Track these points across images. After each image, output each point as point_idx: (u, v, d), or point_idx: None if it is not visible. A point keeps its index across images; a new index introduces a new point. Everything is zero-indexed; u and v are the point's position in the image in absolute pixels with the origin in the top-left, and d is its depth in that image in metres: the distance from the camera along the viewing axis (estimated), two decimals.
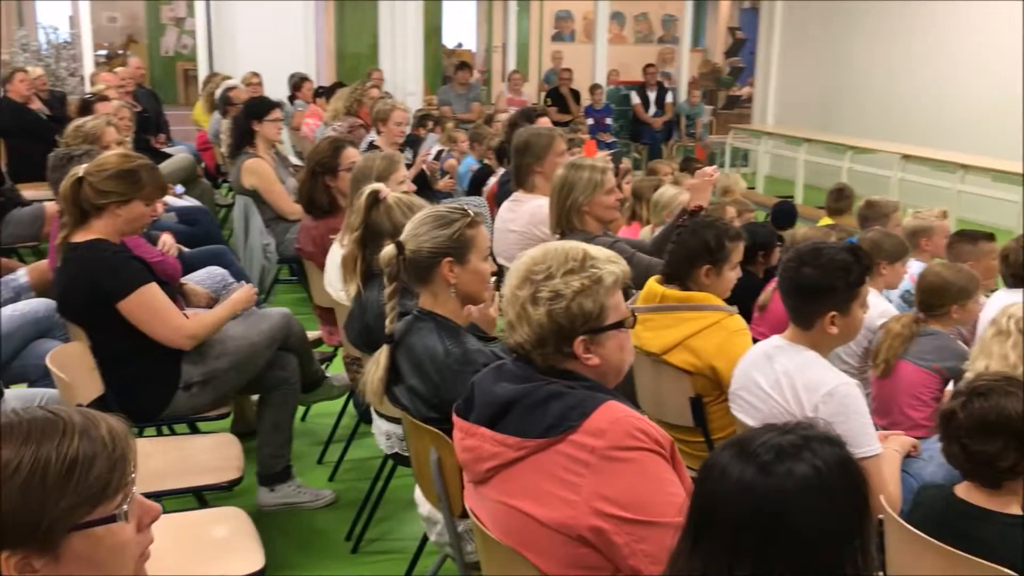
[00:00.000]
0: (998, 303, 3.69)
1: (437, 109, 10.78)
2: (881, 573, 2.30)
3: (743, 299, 3.92)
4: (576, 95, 12.66)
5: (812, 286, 2.54)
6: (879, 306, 3.89)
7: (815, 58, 12.53)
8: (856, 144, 9.91)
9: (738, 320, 3.10)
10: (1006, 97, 9.43)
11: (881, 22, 11.26)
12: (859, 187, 8.97)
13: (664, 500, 1.75)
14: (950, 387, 3.42)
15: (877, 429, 3.12)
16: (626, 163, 7.44)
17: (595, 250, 1.92)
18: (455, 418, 2.00)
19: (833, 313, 2.54)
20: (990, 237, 4.41)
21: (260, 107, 5.87)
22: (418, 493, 2.70)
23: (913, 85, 10.75)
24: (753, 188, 10.87)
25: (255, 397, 3.86)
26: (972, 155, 8.63)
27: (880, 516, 2.26)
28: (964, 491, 2.07)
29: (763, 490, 1.26)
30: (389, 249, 2.50)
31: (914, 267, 4.22)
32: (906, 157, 9.08)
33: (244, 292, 3.55)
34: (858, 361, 3.85)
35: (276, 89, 9.02)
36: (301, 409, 4.30)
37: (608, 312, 1.88)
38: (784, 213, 6.31)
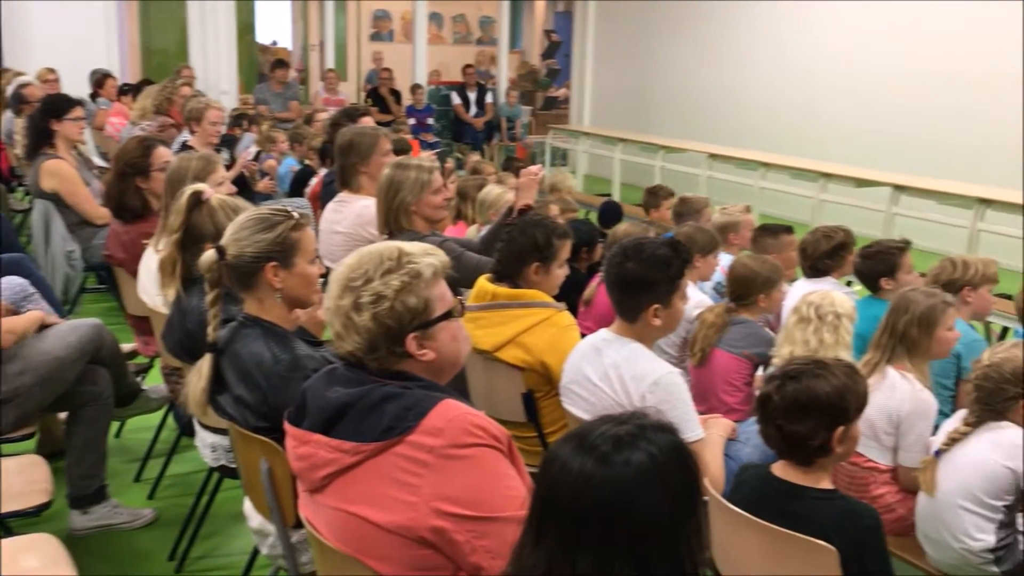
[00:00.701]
0: (798, 292, 3.95)
1: (253, 108, 10.44)
2: (706, 552, 2.41)
3: (569, 295, 4.01)
4: (397, 95, 12.60)
5: (636, 280, 2.63)
6: (694, 297, 4.08)
7: (627, 60, 13.03)
8: (667, 144, 10.37)
9: (567, 316, 3.17)
10: (802, 99, 10.16)
11: (688, 26, 11.86)
12: (671, 185, 9.41)
13: (504, 495, 1.76)
14: (760, 372, 3.63)
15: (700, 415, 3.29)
16: (450, 163, 7.46)
17: (409, 246, 1.91)
18: (287, 426, 1.93)
19: (656, 306, 2.64)
20: (789, 230, 4.72)
21: (59, 105, 5.49)
22: (247, 506, 2.61)
23: (718, 87, 11.40)
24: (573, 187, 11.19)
25: (63, 415, 3.61)
26: (772, 154, 9.21)
27: (704, 498, 2.37)
28: (780, 470, 2.20)
29: (603, 480, 1.29)
30: (209, 254, 2.40)
31: (724, 260, 4.45)
32: (712, 156, 9.59)
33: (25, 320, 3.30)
34: (678, 351, 4.03)
35: (75, 86, 8.47)
36: (115, 425, 4.06)
37: (434, 304, 1.87)
38: (610, 211, 6.52)
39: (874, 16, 9.40)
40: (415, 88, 12.63)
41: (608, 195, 10.25)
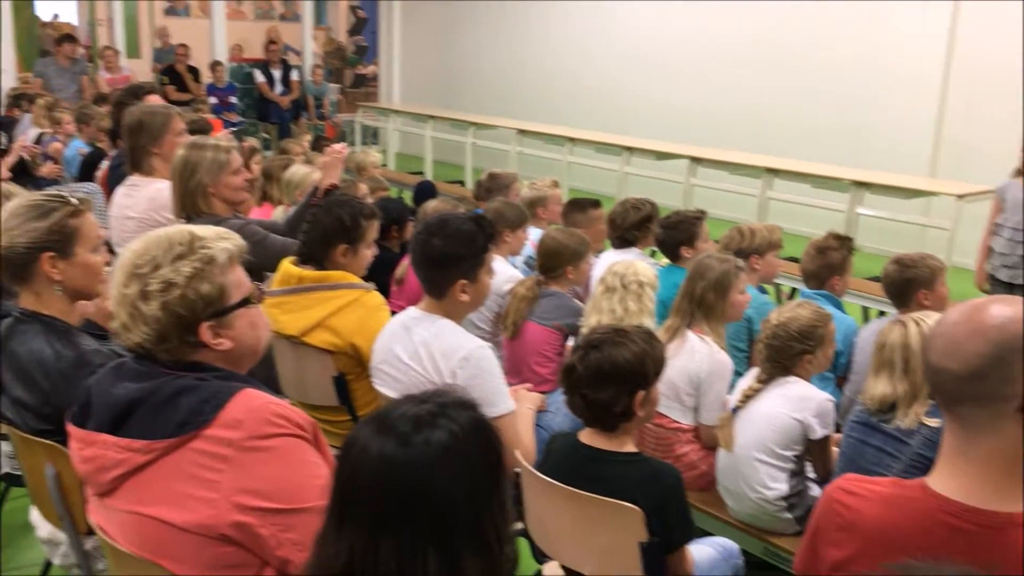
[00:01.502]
0: (606, 263, 4.07)
1: (38, 88, 9.67)
2: (521, 524, 2.45)
3: (380, 274, 3.96)
4: (195, 73, 12.02)
5: (442, 256, 2.61)
6: (505, 272, 4.13)
7: (436, 37, 12.99)
8: (477, 120, 10.42)
9: (376, 296, 3.12)
10: (606, 75, 10.45)
11: (495, 3, 11.92)
12: (482, 161, 9.49)
13: (310, 484, 1.70)
14: (570, 342, 3.72)
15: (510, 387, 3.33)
16: (253, 142, 7.18)
17: (202, 230, 1.81)
18: (70, 427, 1.79)
19: (463, 281, 2.64)
20: (597, 205, 4.84)
21: None
22: (35, 514, 2.42)
23: (527, 64, 11.55)
24: (385, 165, 11.06)
25: None
26: (579, 129, 9.45)
27: (517, 469, 2.40)
28: (587, 437, 2.26)
29: (404, 461, 1.27)
30: None
31: (533, 234, 4.53)
32: (522, 132, 9.72)
33: None
34: (491, 326, 4.06)
35: None
36: None
37: (230, 291, 1.79)
38: (424, 191, 6.48)
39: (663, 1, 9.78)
40: (215, 65, 12.09)
41: (420, 172, 10.22)
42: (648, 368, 2.19)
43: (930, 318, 2.68)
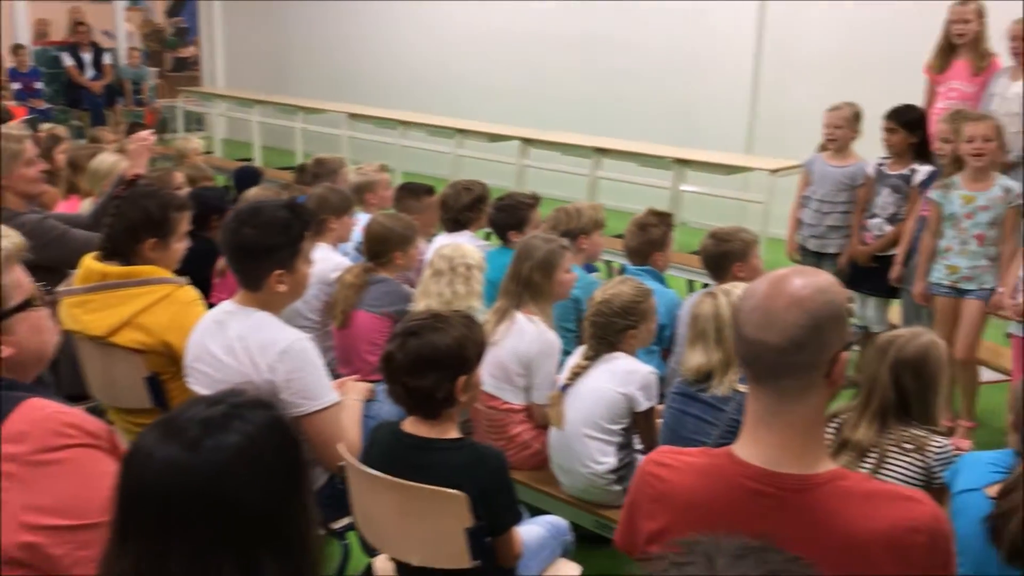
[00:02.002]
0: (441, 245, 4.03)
1: None
2: (349, 518, 2.39)
3: (200, 267, 3.78)
4: None
5: (255, 246, 2.50)
6: (333, 260, 4.03)
7: (260, 18, 12.53)
8: (307, 105, 10.15)
9: (189, 291, 2.97)
10: (437, 57, 10.35)
11: None
12: (313, 146, 9.26)
13: (106, 497, 1.59)
14: None
15: (340, 377, 3.25)
16: (61, 130, 6.71)
17: None
18: None
19: (280, 271, 2.54)
20: (430, 191, 4.79)
21: None
22: None
23: (357, 46, 11.29)
24: (211, 152, 10.62)
25: None
26: (411, 112, 9.36)
27: (341, 463, 2.34)
28: (410, 425, 2.22)
29: (193, 468, 1.19)
30: None
31: (363, 220, 4.43)
32: (353, 116, 9.54)
33: None
34: (319, 315, 3.96)
35: None
36: None
37: (9, 293, 1.65)
38: (246, 176, 6.22)
39: None
40: (16, 49, 11.24)
41: (248, 159, 9.87)
42: (468, 352, 2.17)
43: (738, 289, 2.78)
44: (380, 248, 3.82)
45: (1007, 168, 4.66)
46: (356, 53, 11.23)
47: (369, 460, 2.24)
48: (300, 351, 2.49)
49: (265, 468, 1.23)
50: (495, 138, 8.40)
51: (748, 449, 1.56)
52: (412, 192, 4.73)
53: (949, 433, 4.24)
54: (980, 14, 5.03)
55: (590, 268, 4.64)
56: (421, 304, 3.58)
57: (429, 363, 2.13)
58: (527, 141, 8.05)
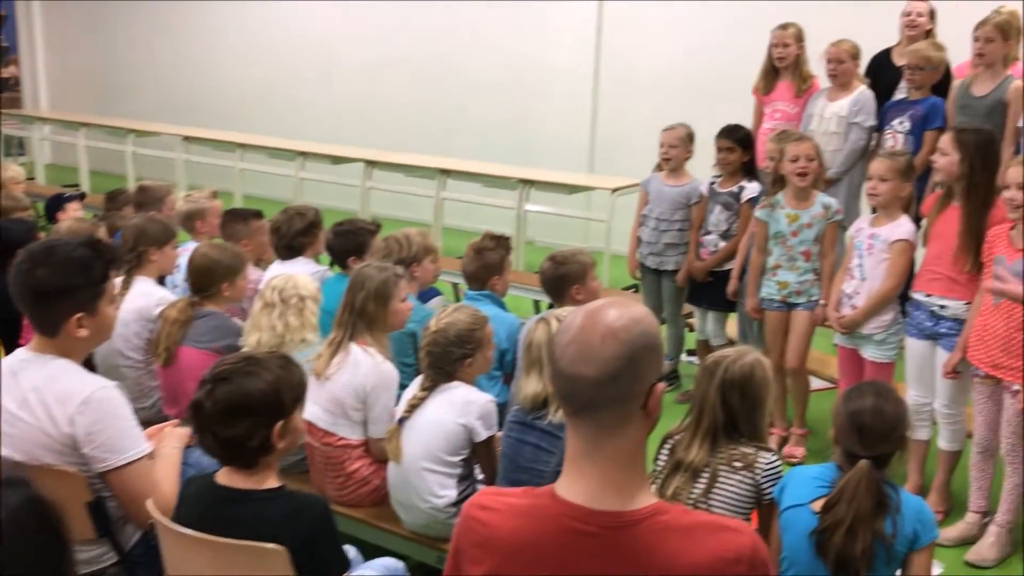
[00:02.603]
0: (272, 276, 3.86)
1: None
2: None
3: (5, 306, 3.48)
4: None
5: (49, 288, 2.29)
6: (155, 294, 3.81)
7: (85, 37, 11.87)
8: (138, 127, 9.67)
9: None
10: (278, 78, 10.05)
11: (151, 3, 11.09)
12: (146, 171, 8.83)
13: None
14: None
15: (168, 419, 3.04)
16: None
17: None
18: None
19: (80, 314, 2.33)
20: (259, 215, 4.61)
21: None
22: None
23: (191, 66, 10.83)
24: (33, 179, 9.96)
25: None
26: (251, 134, 9.05)
27: (151, 520, 2.17)
28: (225, 477, 2.07)
29: None
30: None
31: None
32: (188, 139, 9.15)
33: None
34: (141, 354, 3.73)
35: None
36: None
37: None
38: (58, 207, 5.82)
39: (341, 3, 9.56)
40: None
41: (75, 185, 9.31)
42: (285, 396, 2.04)
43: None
44: (205, 280, 3.63)
45: (828, 185, 4.88)
46: (189, 73, 10.78)
47: (179, 516, 2.08)
48: (103, 400, 2.29)
49: (21, 554, 1.09)
50: (338, 160, 8.23)
51: (570, 487, 1.53)
52: (239, 217, 4.53)
53: (784, 441, 4.40)
54: (799, 38, 5.27)
55: (433, 292, 4.57)
56: (252, 338, 3.41)
57: (241, 410, 1.99)
58: (371, 163, 7.93)
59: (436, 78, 8.95)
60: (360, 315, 3.29)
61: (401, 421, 3.08)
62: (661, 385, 1.52)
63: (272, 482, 2.06)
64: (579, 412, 1.51)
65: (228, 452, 2.03)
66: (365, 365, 3.21)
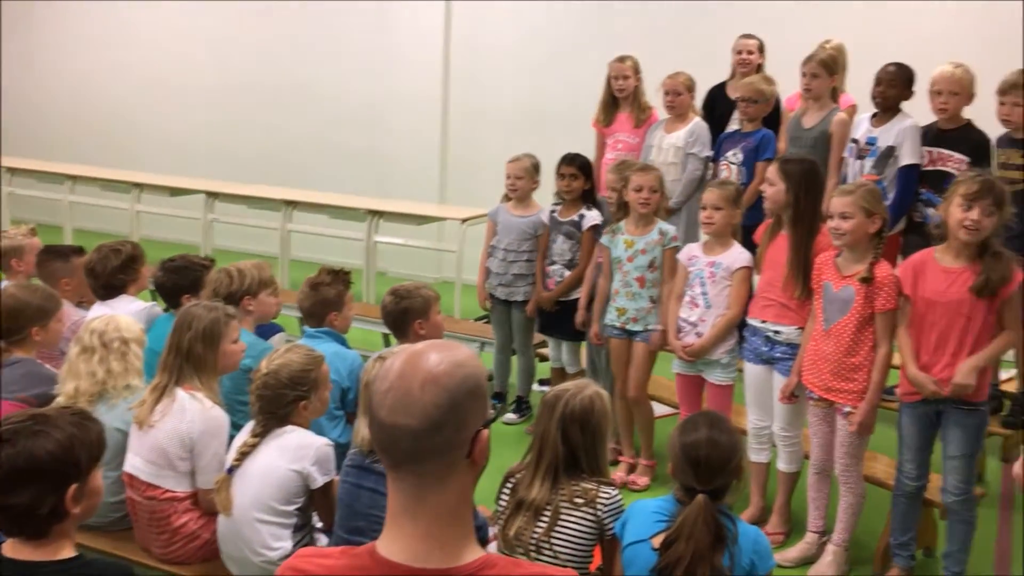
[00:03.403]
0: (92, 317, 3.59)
1: None
2: None
3: None
4: None
5: None
6: None
7: None
8: None
9: None
10: (109, 107, 9.54)
11: None
12: None
13: None
14: None
15: None
16: None
17: None
18: None
19: None
20: (79, 251, 4.30)
21: None
22: None
23: (13, 93, 10.11)
24: None
25: None
26: (81, 165, 8.55)
27: None
28: (10, 548, 1.85)
29: None
30: None
31: None
32: (11, 170, 8.53)
33: None
34: None
35: None
36: None
37: None
38: None
39: (179, 27, 9.17)
40: None
41: None
42: (79, 456, 1.85)
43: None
44: (15, 324, 3.35)
45: (668, 215, 4.98)
46: (13, 100, 10.08)
47: None
48: None
49: None
50: (176, 192, 7.87)
51: (391, 544, 1.44)
52: (57, 254, 4.23)
53: (632, 468, 4.41)
54: (636, 70, 5.38)
55: (275, 328, 4.38)
56: (68, 386, 3.16)
57: (26, 476, 1.78)
58: (212, 194, 7.62)
59: (283, 106, 8.70)
60: (187, 358, 3.10)
61: (231, 470, 2.90)
62: (486, 432, 1.44)
63: (67, 551, 1.86)
64: (399, 465, 1.42)
65: (13, 522, 1.81)
66: (192, 411, 3.02)
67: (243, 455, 2.90)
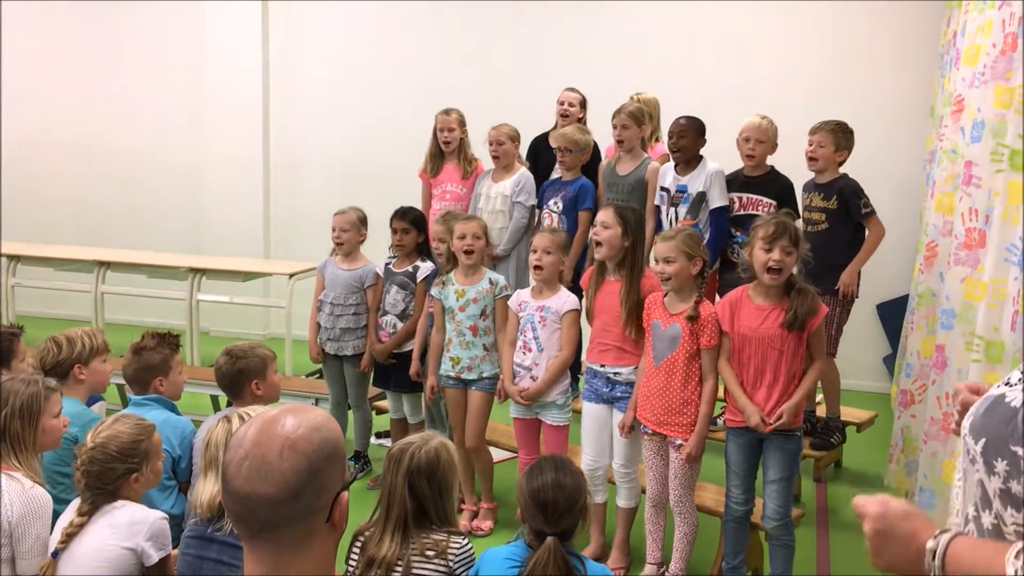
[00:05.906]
0: None
1: None
2: None
3: None
4: None
5: None
6: None
7: None
8: None
9: None
10: None
11: None
12: None
13: None
14: None
15: None
16: None
17: None
18: None
19: None
20: None
21: None
22: None
23: None
24: None
25: None
26: None
27: None
28: None
29: None
30: None
31: None
32: None
33: None
34: None
35: None
36: None
37: None
38: None
39: None
40: None
41: None
42: None
43: (257, 410, 2.60)
44: None
45: (497, 261, 5.09)
46: None
47: None
48: None
49: None
50: None
51: None
52: None
53: (475, 515, 4.44)
54: (462, 123, 5.51)
55: (92, 397, 4.14)
56: None
57: None
58: (13, 257, 7.13)
59: (91, 160, 8.31)
60: (3, 436, 2.89)
61: (56, 554, 2.71)
62: (345, 495, 1.45)
63: None
64: (257, 535, 1.39)
65: None
66: (11, 493, 2.81)
67: (69, 536, 2.72)
